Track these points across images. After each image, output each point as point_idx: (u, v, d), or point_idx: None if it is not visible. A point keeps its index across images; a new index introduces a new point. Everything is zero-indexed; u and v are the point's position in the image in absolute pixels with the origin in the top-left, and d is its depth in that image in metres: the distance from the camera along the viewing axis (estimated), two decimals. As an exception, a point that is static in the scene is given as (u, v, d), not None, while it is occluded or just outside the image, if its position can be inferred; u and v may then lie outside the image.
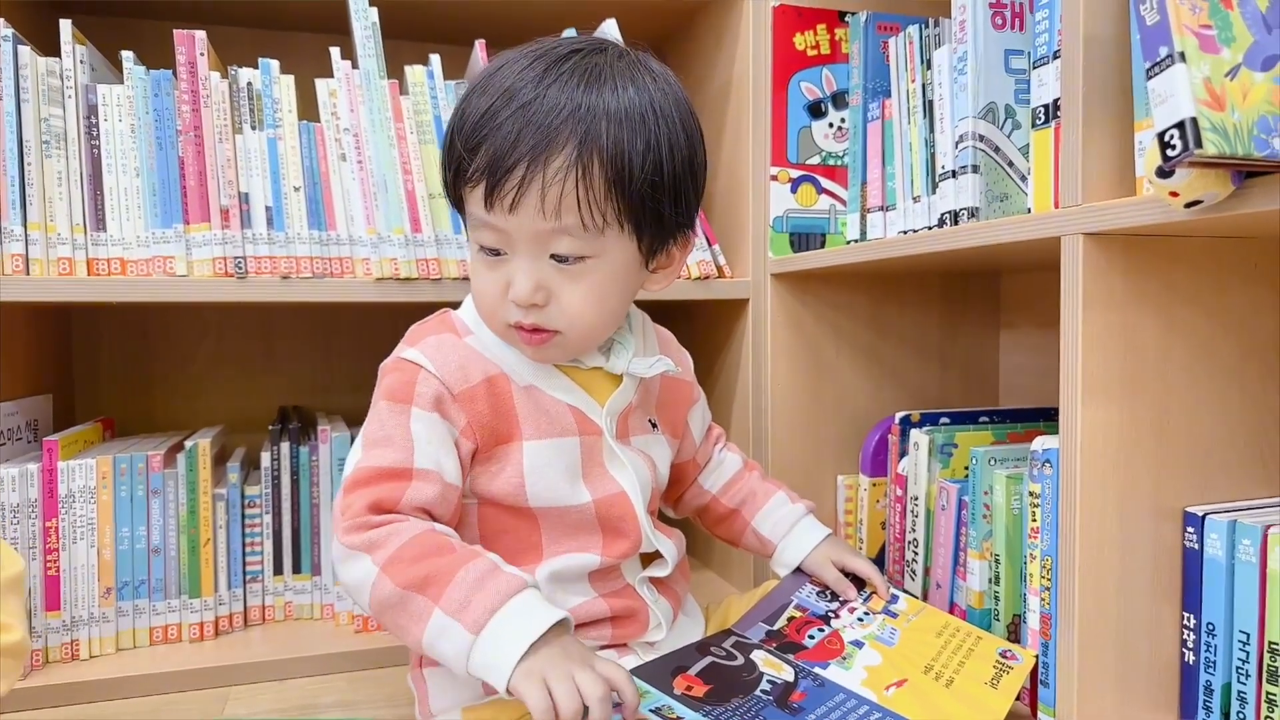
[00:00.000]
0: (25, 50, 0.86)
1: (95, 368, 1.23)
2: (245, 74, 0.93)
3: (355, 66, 0.95)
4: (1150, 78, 0.48)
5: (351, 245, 0.94)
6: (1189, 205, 0.51)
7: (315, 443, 1.03)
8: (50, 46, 0.90)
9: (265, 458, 1.02)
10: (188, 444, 0.97)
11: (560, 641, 0.58)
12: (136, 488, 0.94)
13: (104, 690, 0.88)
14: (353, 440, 1.03)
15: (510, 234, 0.65)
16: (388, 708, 0.85)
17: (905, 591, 0.94)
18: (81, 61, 0.90)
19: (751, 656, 0.70)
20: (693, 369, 0.86)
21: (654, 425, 0.78)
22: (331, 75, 0.95)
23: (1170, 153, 0.47)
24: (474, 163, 0.63)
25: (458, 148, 0.65)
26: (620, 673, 0.58)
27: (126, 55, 0.91)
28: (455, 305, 0.80)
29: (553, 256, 0.65)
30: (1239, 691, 0.63)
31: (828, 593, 0.81)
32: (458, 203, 0.69)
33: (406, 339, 0.72)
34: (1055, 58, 0.69)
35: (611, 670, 0.57)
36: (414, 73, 0.97)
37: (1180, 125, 0.46)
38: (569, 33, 0.77)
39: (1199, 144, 0.45)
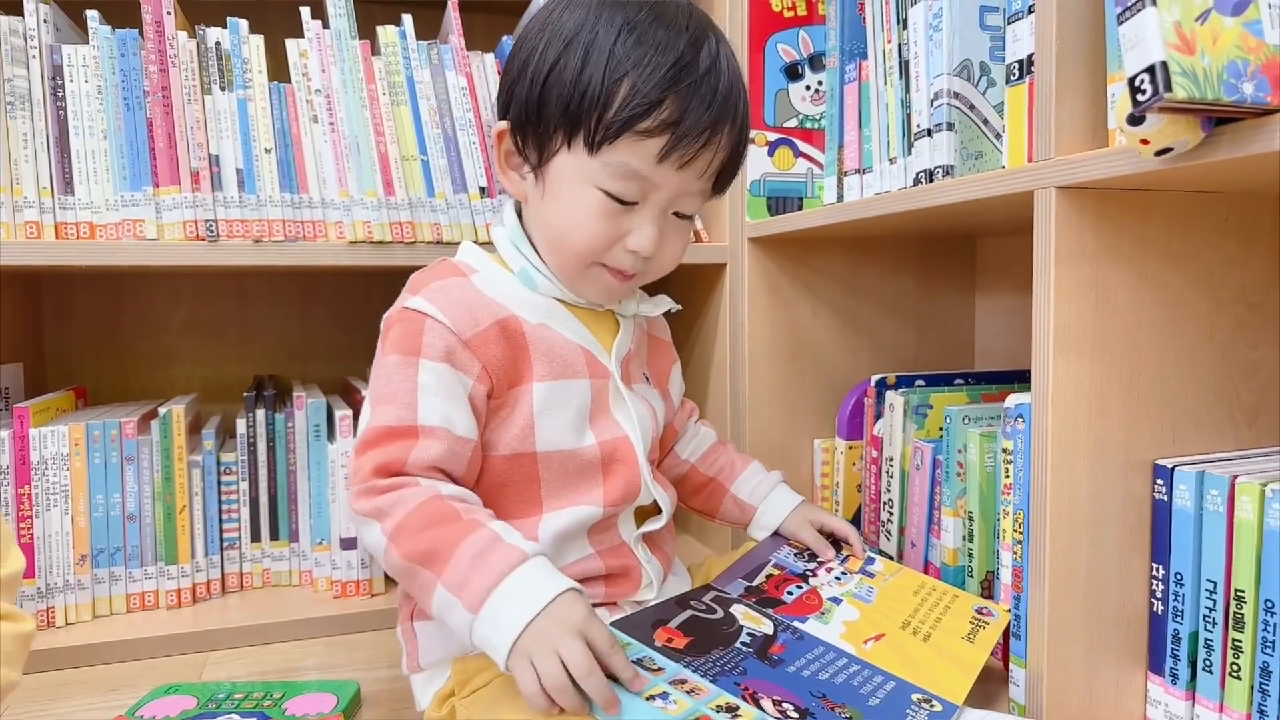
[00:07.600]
0: (-15, 8, 0.85)
1: (67, 337, 1.22)
2: (213, 33, 0.92)
3: (326, 26, 0.94)
4: (1121, 22, 0.48)
5: (324, 208, 0.93)
6: (1159, 153, 0.51)
7: (291, 409, 1.02)
8: (12, 5, 0.87)
9: (241, 425, 1.01)
10: (161, 410, 0.96)
11: (553, 610, 0.56)
12: (110, 454, 0.93)
13: (82, 656, 0.87)
14: (329, 408, 1.04)
15: (659, 188, 0.66)
16: (366, 670, 0.85)
17: (881, 553, 0.95)
18: (45, 20, 0.88)
19: (731, 610, 0.71)
20: (669, 333, 0.87)
21: (646, 378, 0.80)
22: (302, 35, 0.93)
23: (1140, 98, 0.47)
24: (655, 116, 0.63)
25: (622, 92, 0.62)
26: (601, 634, 0.56)
27: (91, 14, 0.89)
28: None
29: (675, 213, 0.69)
30: (1205, 639, 0.64)
31: (805, 554, 0.82)
32: (555, 138, 0.66)
33: (409, 287, 0.70)
34: (1029, 12, 0.69)
35: (595, 631, 0.56)
36: (386, 33, 0.95)
37: (1150, 69, 0.46)
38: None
39: (1169, 88, 0.45)
